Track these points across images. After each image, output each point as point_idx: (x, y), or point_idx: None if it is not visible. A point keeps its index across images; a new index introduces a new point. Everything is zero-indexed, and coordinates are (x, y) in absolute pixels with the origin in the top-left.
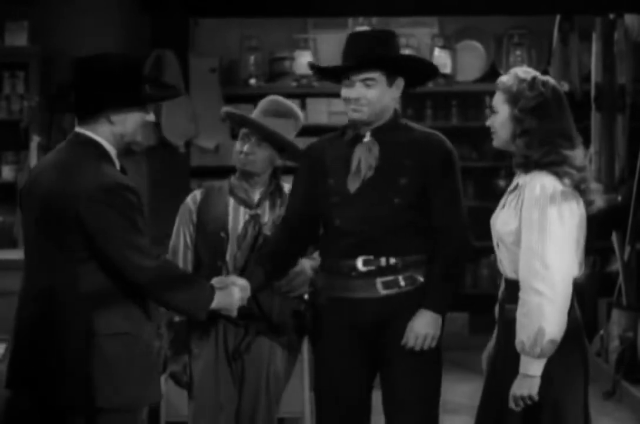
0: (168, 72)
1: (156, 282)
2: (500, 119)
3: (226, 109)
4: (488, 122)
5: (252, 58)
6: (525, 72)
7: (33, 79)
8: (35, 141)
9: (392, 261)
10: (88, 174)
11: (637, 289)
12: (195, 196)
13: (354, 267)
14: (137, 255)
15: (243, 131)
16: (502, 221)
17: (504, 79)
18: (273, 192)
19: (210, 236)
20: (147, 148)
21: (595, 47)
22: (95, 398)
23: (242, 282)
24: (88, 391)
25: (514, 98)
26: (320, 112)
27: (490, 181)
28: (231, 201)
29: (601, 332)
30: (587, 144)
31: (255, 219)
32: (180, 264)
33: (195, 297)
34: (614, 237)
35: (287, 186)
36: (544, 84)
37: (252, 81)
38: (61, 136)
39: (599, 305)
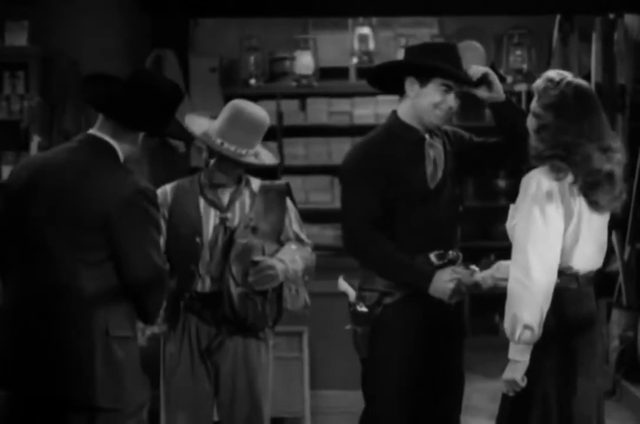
0: (168, 72)
1: (159, 283)
2: (529, 116)
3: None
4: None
5: (252, 58)
6: (558, 74)
7: (33, 79)
8: (35, 141)
9: (455, 253)
10: (118, 177)
11: (637, 289)
12: (165, 194)
13: (429, 261)
14: (157, 255)
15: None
16: (510, 217)
17: (538, 80)
18: (242, 191)
19: (183, 240)
20: (148, 148)
21: (595, 47)
22: (97, 398)
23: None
24: (91, 391)
25: (538, 95)
26: (320, 112)
27: (490, 181)
28: (202, 202)
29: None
30: None
31: (224, 222)
32: None
33: None
34: (614, 237)
35: (256, 182)
36: (568, 83)
37: (252, 81)
38: (61, 136)
39: (599, 305)
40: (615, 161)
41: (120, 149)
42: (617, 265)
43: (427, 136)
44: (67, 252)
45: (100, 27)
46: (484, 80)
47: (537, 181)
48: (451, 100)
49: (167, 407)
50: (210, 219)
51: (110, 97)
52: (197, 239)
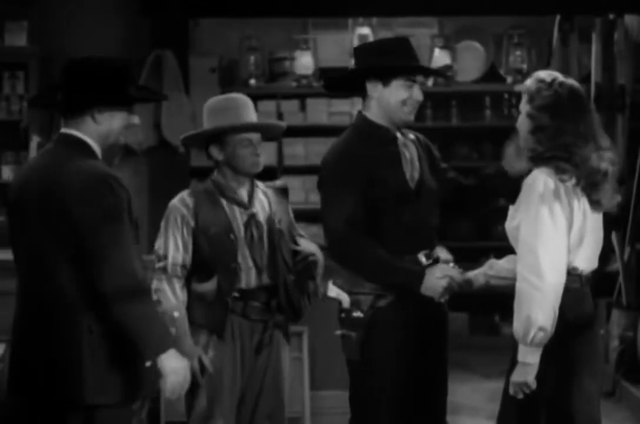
0: (167, 72)
1: (140, 294)
2: (520, 118)
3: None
4: (517, 124)
5: (252, 58)
6: (548, 74)
7: (33, 79)
8: (35, 141)
9: (437, 252)
10: (73, 169)
11: (637, 289)
12: (184, 200)
13: (417, 262)
14: (132, 255)
15: (248, 136)
16: (510, 217)
17: (527, 81)
18: (255, 189)
19: (216, 240)
20: (147, 148)
21: (595, 47)
22: (87, 396)
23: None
24: (80, 389)
25: (531, 97)
26: (320, 112)
27: None
28: (224, 203)
29: (601, 332)
30: None
31: (253, 218)
32: (169, 267)
33: (161, 330)
34: (614, 237)
35: (260, 183)
36: (561, 84)
37: (252, 81)
38: None
39: (599, 305)
40: (609, 160)
41: (96, 138)
42: (617, 265)
43: (399, 135)
44: (48, 254)
45: (100, 28)
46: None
47: (544, 182)
48: (417, 94)
49: (214, 409)
50: (237, 217)
51: (46, 93)
52: (231, 236)
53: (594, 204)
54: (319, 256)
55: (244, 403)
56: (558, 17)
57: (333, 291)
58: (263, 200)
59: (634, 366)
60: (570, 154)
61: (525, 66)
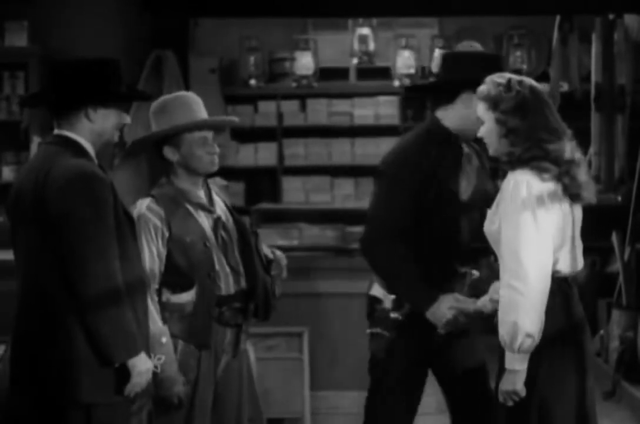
0: (168, 73)
1: (115, 299)
2: (486, 126)
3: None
4: (479, 133)
5: (251, 58)
6: (500, 76)
7: (33, 79)
8: (35, 141)
9: (479, 270)
10: (59, 167)
11: (637, 290)
12: (153, 209)
13: (454, 273)
14: (108, 256)
15: (203, 134)
16: (489, 221)
17: (482, 88)
18: (210, 190)
19: (192, 249)
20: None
21: (595, 47)
22: (81, 394)
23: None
24: (75, 387)
25: (494, 103)
26: (320, 112)
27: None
28: (190, 208)
29: (601, 332)
30: (586, 144)
31: (219, 222)
32: (155, 284)
33: (131, 337)
34: (614, 238)
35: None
36: (520, 83)
37: (252, 82)
38: None
39: (599, 305)
40: (577, 149)
41: (89, 138)
42: (617, 266)
43: (465, 148)
44: (38, 254)
45: (100, 27)
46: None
47: (527, 185)
48: None
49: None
50: (205, 222)
51: (38, 93)
52: (207, 244)
53: (574, 197)
54: (278, 256)
55: (225, 410)
56: (558, 18)
57: (377, 290)
58: (218, 200)
59: (634, 367)
60: (547, 152)
61: (525, 66)
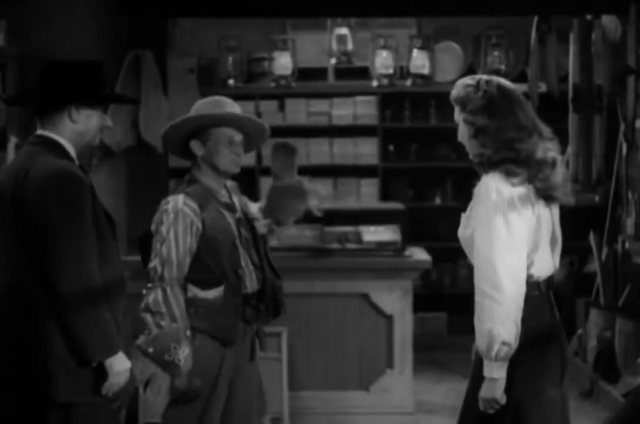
0: (146, 72)
1: (76, 296)
2: (460, 129)
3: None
4: (458, 138)
5: (230, 58)
6: (471, 78)
7: (10, 80)
8: (12, 142)
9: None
10: (38, 167)
11: (614, 290)
12: (190, 205)
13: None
14: (85, 257)
15: (231, 133)
16: (462, 225)
17: (453, 91)
18: (229, 191)
19: (224, 247)
20: (126, 149)
21: (572, 48)
22: (58, 394)
23: None
24: (52, 387)
25: (463, 104)
26: (299, 112)
27: (469, 181)
28: (219, 207)
29: (579, 332)
30: (564, 145)
31: (240, 221)
32: (175, 276)
33: (108, 336)
34: (592, 238)
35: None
36: (488, 82)
37: (231, 82)
38: None
39: (577, 305)
40: (554, 149)
41: (71, 138)
42: (594, 265)
43: None
44: (15, 253)
45: (78, 27)
46: None
47: (496, 189)
48: None
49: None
50: (231, 222)
51: (23, 92)
52: (235, 242)
53: (548, 199)
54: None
55: (240, 407)
56: (536, 18)
57: None
58: (236, 201)
59: (611, 366)
60: (517, 153)
61: (503, 67)
